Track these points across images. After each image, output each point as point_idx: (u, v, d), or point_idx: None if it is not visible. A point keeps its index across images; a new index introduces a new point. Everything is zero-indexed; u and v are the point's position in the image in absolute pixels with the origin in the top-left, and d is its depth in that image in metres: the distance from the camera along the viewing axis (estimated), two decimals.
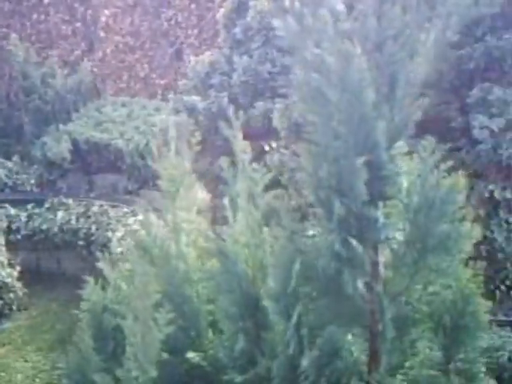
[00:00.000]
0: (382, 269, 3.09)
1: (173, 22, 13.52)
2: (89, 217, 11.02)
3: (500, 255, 8.40)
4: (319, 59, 2.87)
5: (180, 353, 3.10)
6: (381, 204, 2.87)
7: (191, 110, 10.35)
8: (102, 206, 11.18)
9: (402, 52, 2.88)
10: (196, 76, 10.44)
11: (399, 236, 3.00)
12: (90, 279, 3.57)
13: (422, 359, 3.27)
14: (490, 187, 8.39)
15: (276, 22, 3.00)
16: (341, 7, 3.04)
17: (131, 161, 11.91)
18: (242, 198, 2.97)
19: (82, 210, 11.09)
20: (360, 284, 2.96)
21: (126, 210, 11.25)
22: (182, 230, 3.25)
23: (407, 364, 3.24)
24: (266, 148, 10.34)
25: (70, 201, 11.23)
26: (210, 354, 3.07)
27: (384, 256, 3.06)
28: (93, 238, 10.70)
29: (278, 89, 9.94)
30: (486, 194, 8.42)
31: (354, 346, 3.20)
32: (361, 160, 2.73)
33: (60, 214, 11.02)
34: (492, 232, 8.45)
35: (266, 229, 3.08)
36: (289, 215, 2.83)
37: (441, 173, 2.90)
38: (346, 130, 2.79)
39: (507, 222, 8.41)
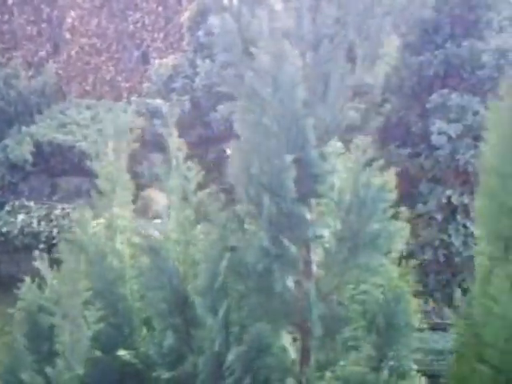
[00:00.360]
0: (314, 267, 3.10)
1: (139, 25, 13.48)
2: (51, 220, 10.93)
3: (457, 259, 8.48)
4: (254, 58, 2.88)
5: (112, 350, 3.08)
6: (312, 202, 2.88)
7: (153, 113, 10.33)
8: (64, 209, 11.10)
9: (336, 52, 2.90)
10: (159, 79, 10.43)
11: (331, 234, 3.00)
12: (27, 278, 3.53)
13: (355, 357, 3.28)
14: (448, 192, 8.47)
15: (213, 20, 3.02)
16: (279, 6, 3.07)
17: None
18: (175, 195, 2.96)
19: (43, 213, 11.00)
20: (290, 282, 2.97)
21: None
22: (117, 228, 3.23)
23: (340, 361, 3.25)
24: (228, 152, 10.33)
25: (32, 204, 11.14)
26: (141, 351, 3.05)
27: (316, 254, 3.08)
28: (54, 242, 10.60)
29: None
30: (444, 200, 8.50)
31: (289, 343, 3.21)
32: (290, 158, 2.73)
33: (21, 216, 10.91)
34: (449, 236, 8.52)
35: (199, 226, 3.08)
36: (219, 212, 2.82)
37: (372, 172, 2.91)
38: (278, 127, 2.80)
39: (464, 226, 8.48)
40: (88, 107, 12.93)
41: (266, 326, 2.87)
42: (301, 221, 2.79)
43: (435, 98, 8.65)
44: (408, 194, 8.42)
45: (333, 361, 3.26)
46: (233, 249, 2.85)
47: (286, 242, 2.87)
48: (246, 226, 2.91)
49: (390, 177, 2.89)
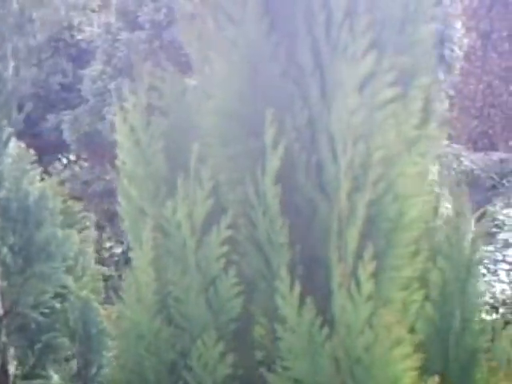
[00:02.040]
0: None
1: None
2: None
3: None
4: None
5: None
6: None
7: None
8: None
9: None
10: None
11: (5, 245, 2.94)
12: None
13: (63, 366, 3.25)
14: None
15: None
16: None
17: None
18: None
19: None
20: None
21: None
22: None
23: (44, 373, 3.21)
24: (64, 161, 10.15)
25: None
26: None
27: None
28: None
29: (69, 100, 9.78)
30: None
31: None
32: None
33: None
34: None
35: None
36: None
37: (33, 178, 2.87)
38: None
39: None
40: None
41: None
42: None
43: None
44: None
45: (32, 373, 3.20)
46: None
47: None
48: None
49: (51, 184, 2.85)
